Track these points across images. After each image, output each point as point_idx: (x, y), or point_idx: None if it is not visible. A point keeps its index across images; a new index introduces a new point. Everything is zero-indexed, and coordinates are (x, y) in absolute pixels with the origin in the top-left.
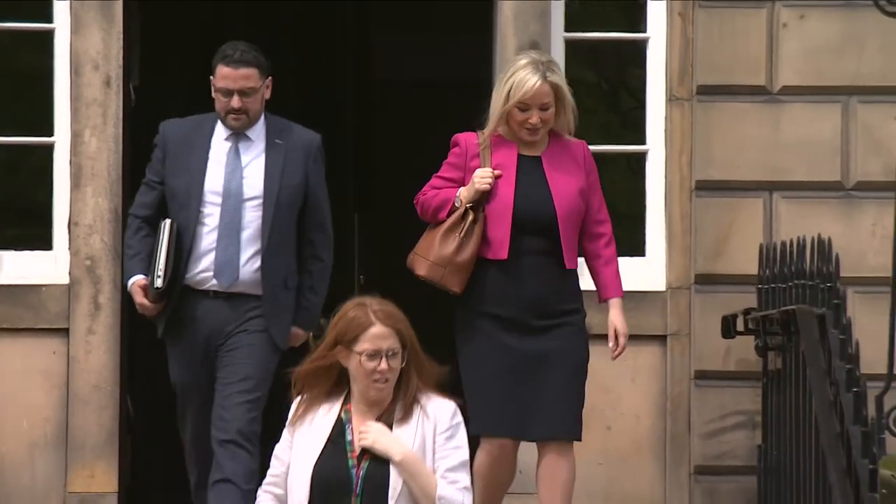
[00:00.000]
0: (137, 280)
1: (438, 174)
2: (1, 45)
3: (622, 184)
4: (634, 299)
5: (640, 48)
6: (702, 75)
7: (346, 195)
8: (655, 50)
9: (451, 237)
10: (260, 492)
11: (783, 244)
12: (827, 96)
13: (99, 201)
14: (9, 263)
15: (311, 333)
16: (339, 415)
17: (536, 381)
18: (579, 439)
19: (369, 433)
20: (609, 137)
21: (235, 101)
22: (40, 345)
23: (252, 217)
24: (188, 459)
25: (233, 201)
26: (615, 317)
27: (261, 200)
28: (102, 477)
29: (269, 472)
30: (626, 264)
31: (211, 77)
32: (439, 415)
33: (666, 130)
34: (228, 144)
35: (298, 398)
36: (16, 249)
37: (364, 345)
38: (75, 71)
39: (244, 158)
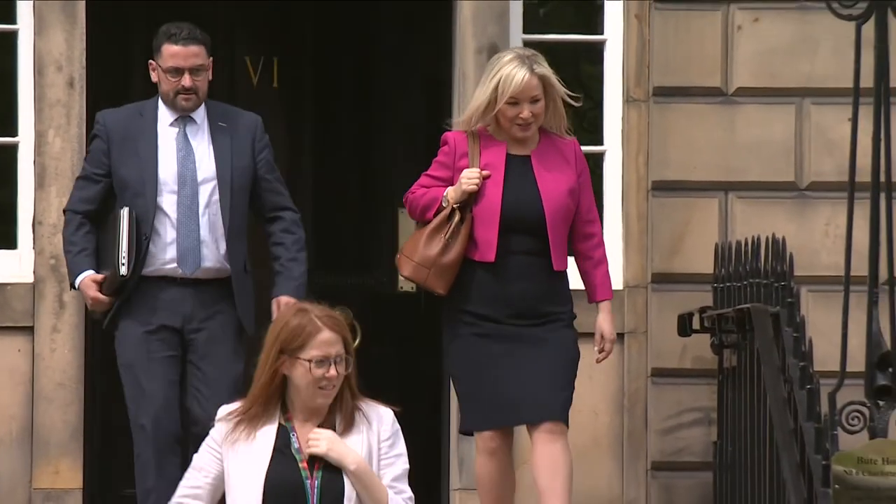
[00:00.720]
0: (88, 275)
1: (427, 172)
2: None
3: None
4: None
5: (597, 50)
6: (658, 77)
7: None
8: (612, 52)
9: (437, 238)
10: (177, 499)
11: (738, 243)
12: (781, 98)
13: (63, 201)
14: None
15: None
16: (280, 423)
17: (526, 371)
18: (566, 424)
19: (321, 441)
20: None
21: (186, 80)
22: (5, 343)
23: (210, 201)
24: (142, 456)
25: (189, 187)
26: (603, 321)
27: (215, 183)
28: (67, 473)
29: (187, 483)
30: None
31: (151, 61)
32: (382, 422)
33: (623, 131)
34: (175, 129)
35: (223, 413)
36: None
37: (312, 352)
38: (39, 72)
39: (193, 143)
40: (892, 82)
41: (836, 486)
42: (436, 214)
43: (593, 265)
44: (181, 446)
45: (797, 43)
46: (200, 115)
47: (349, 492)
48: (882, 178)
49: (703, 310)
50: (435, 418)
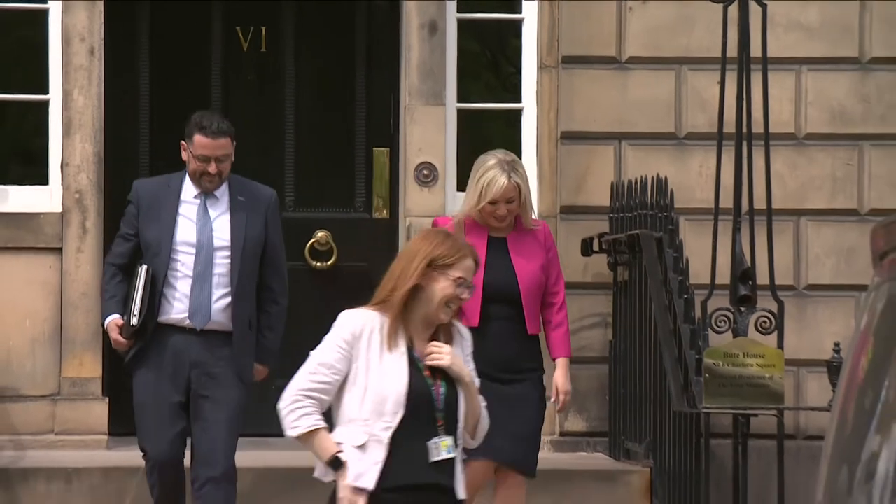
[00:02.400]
0: (114, 319)
1: None
2: (4, 22)
3: (502, 134)
4: None
5: (516, 26)
6: (566, 48)
7: None
8: (529, 27)
9: None
10: (298, 394)
11: (629, 182)
12: (664, 65)
13: (85, 146)
14: (14, 196)
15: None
16: (408, 334)
17: (505, 416)
18: (534, 476)
19: (444, 354)
20: (492, 97)
21: (213, 168)
22: (39, 261)
23: (222, 265)
24: (150, 480)
25: (205, 252)
26: (559, 376)
27: (229, 252)
28: (89, 365)
29: (314, 378)
30: None
31: (182, 142)
32: (465, 338)
33: (537, 92)
34: (198, 201)
35: (354, 317)
36: (20, 185)
37: (458, 272)
38: (66, 42)
39: (212, 214)
40: (751, 53)
41: (707, 375)
42: None
43: (554, 328)
44: (182, 477)
45: (677, 21)
46: (222, 190)
47: (462, 402)
48: (744, 130)
49: (601, 235)
50: None
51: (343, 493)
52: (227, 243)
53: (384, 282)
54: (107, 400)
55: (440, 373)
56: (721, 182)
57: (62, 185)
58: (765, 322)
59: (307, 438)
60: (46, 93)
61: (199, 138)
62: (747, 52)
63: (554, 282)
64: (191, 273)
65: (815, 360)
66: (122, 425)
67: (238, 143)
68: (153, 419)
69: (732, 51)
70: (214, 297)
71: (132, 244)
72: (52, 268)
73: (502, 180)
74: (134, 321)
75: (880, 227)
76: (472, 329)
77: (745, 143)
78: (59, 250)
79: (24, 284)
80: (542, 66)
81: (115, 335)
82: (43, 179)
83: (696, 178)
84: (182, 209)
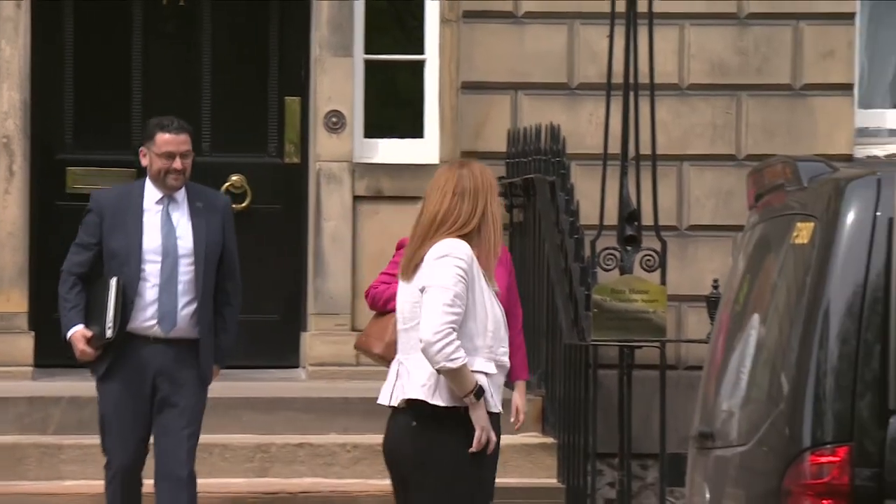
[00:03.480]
0: (79, 330)
1: (385, 271)
2: None
3: (407, 84)
4: (415, 170)
5: None
6: (466, 3)
7: None
8: None
9: None
10: (446, 327)
11: (525, 129)
12: (558, 20)
13: (12, 94)
14: None
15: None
16: None
17: None
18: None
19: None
20: (397, 49)
21: (178, 164)
22: None
23: (186, 272)
24: (109, 480)
25: (171, 259)
26: (517, 398)
27: (192, 258)
28: (16, 300)
29: (452, 310)
30: (410, 144)
31: (141, 149)
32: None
33: (440, 45)
34: (160, 208)
35: (463, 248)
36: None
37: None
38: None
39: (174, 220)
40: (638, 9)
41: (595, 310)
42: None
43: (514, 350)
44: (140, 484)
45: None
46: (181, 194)
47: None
48: (631, 81)
49: (499, 179)
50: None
51: (483, 424)
52: (191, 250)
53: (457, 213)
54: (33, 334)
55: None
56: (610, 129)
57: None
58: (649, 260)
59: (459, 370)
60: None
61: (161, 136)
62: (634, 8)
63: (514, 303)
64: (158, 281)
65: (695, 295)
66: (47, 357)
67: (157, 92)
68: (117, 430)
69: (621, 7)
70: (180, 305)
71: (93, 253)
72: None
73: None
74: (109, 333)
75: (755, 171)
76: None
77: (632, 94)
78: None
79: None
80: (443, 21)
81: (82, 346)
82: None
83: (586, 126)
84: (146, 217)
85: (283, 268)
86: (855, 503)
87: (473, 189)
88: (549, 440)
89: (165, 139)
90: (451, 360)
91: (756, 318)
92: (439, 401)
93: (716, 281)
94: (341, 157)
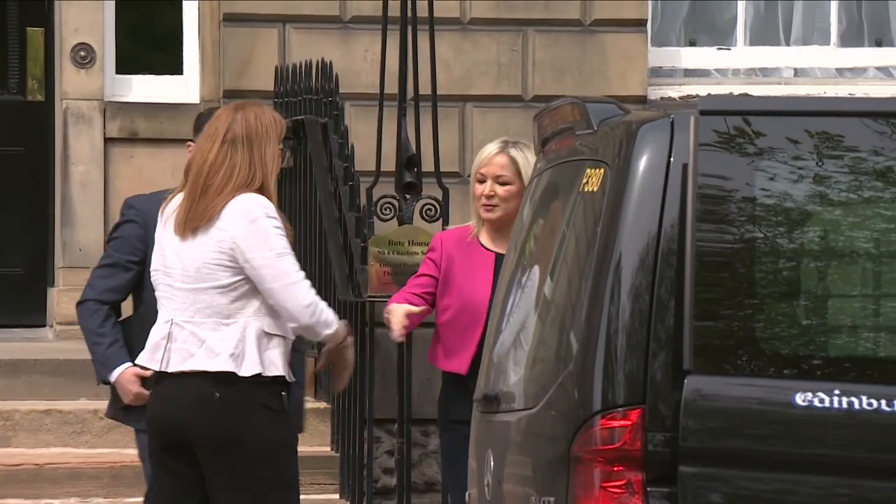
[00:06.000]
0: (131, 370)
1: (408, 289)
2: None
3: (165, 15)
4: (173, 110)
5: None
6: None
7: None
8: None
9: None
10: (313, 291)
11: (294, 66)
12: None
13: None
14: None
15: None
16: None
17: None
18: None
19: None
20: None
21: None
22: None
23: None
24: None
25: None
26: None
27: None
28: None
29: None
30: (167, 82)
31: (189, 143)
32: None
33: None
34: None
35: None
36: None
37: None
38: None
39: None
40: None
41: (372, 263)
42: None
43: None
44: None
45: None
46: None
47: None
48: (409, 14)
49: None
50: None
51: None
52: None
53: (230, 165)
54: None
55: None
56: (386, 67)
57: None
58: (430, 209)
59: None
60: None
61: None
62: None
63: None
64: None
65: None
66: None
67: None
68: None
69: None
70: None
71: (132, 274)
72: None
73: (491, 148)
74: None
75: (542, 113)
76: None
77: (410, 28)
78: None
79: None
80: None
81: (136, 389)
82: None
83: (361, 63)
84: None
85: (26, 217)
86: (648, 469)
87: (246, 136)
88: (322, 405)
89: None
90: (330, 322)
91: (543, 272)
92: (248, 371)
93: None
94: (91, 95)
